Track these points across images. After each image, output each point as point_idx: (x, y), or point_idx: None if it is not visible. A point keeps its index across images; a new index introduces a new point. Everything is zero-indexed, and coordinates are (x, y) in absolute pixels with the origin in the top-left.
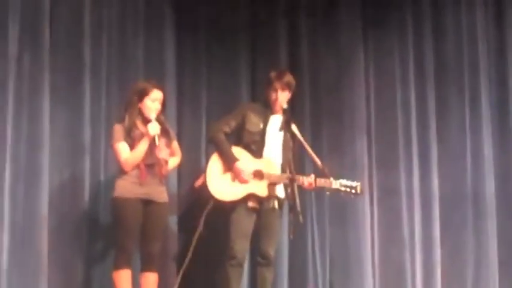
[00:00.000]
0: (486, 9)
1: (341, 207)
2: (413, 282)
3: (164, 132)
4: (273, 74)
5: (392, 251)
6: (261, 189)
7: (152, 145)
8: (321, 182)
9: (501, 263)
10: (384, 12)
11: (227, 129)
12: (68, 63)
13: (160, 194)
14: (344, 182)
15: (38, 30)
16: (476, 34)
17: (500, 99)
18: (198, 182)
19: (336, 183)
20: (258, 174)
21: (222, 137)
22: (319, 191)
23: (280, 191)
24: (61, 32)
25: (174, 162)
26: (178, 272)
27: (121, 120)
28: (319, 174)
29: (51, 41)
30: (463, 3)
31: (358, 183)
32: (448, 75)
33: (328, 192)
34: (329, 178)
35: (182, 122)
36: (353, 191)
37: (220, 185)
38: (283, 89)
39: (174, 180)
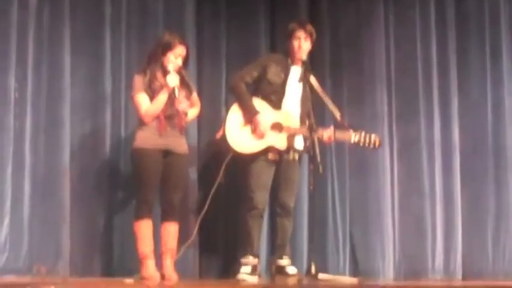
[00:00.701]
0: None
1: (361, 158)
2: (433, 233)
3: (184, 84)
4: (295, 23)
5: (412, 202)
6: (280, 141)
7: (172, 97)
8: (340, 134)
9: None
10: None
11: (249, 79)
12: (88, 15)
13: (180, 145)
14: (363, 134)
15: None
16: None
17: None
18: (219, 134)
19: (354, 136)
20: (277, 127)
21: (243, 87)
22: (339, 142)
23: (298, 143)
24: None
25: (193, 113)
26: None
27: (141, 71)
28: (338, 126)
29: None
30: None
31: (377, 136)
32: (469, 26)
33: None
34: (348, 131)
35: (202, 74)
36: (371, 145)
37: (240, 137)
38: (305, 38)
39: (194, 131)
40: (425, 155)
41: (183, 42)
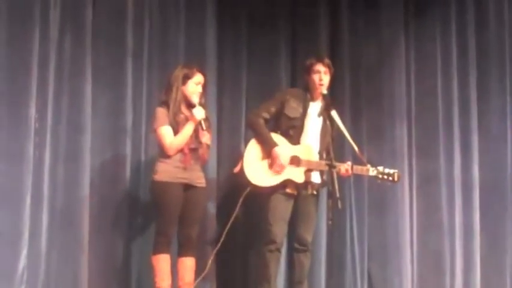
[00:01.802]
0: None
1: (380, 193)
2: (452, 270)
3: (206, 117)
4: (313, 58)
5: (431, 238)
6: (298, 175)
7: (197, 129)
8: (358, 169)
9: None
10: None
11: (266, 115)
12: (110, 45)
13: (200, 178)
14: (381, 169)
15: (79, 12)
16: None
17: None
18: (237, 168)
19: (373, 171)
20: (295, 161)
21: (261, 122)
22: (359, 177)
23: (316, 177)
24: (103, 15)
25: None
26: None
27: (163, 104)
28: (357, 161)
29: (93, 24)
30: None
31: (396, 171)
32: (490, 61)
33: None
34: (366, 165)
35: (222, 107)
36: (390, 178)
37: (258, 171)
38: (325, 72)
39: (213, 164)
40: (444, 191)
41: (200, 70)
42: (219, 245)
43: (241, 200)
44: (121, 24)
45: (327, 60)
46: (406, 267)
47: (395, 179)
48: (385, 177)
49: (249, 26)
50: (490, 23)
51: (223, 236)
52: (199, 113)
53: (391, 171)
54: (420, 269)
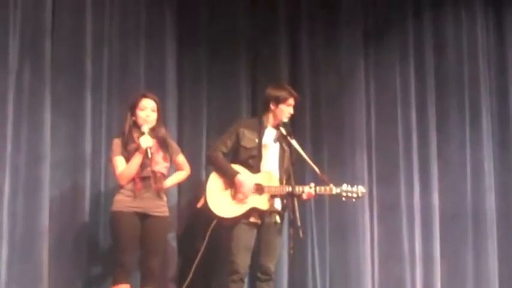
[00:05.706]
0: (487, 24)
1: (341, 222)
2: None
3: (163, 145)
4: (286, 91)
5: (392, 266)
6: (262, 203)
7: (146, 158)
8: (321, 189)
9: (501, 280)
10: (385, 26)
11: (224, 149)
12: (69, 76)
13: (158, 207)
14: (345, 187)
15: (39, 42)
16: (477, 49)
17: (501, 114)
18: (200, 203)
19: (336, 190)
20: (259, 188)
21: (220, 155)
22: (320, 205)
23: (277, 204)
24: (62, 45)
25: (180, 176)
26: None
27: (120, 134)
28: (319, 183)
29: (53, 54)
30: (463, 18)
31: (359, 186)
32: (449, 89)
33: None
34: (329, 185)
35: (183, 136)
36: (354, 195)
37: (222, 202)
38: (294, 106)
39: (174, 194)
40: (405, 218)
41: (147, 94)
42: (187, 283)
43: (208, 234)
44: (80, 54)
45: (295, 93)
46: None
47: (359, 194)
48: (349, 194)
49: (209, 54)
50: (448, 51)
51: (191, 274)
52: (145, 141)
53: (355, 188)
54: None
